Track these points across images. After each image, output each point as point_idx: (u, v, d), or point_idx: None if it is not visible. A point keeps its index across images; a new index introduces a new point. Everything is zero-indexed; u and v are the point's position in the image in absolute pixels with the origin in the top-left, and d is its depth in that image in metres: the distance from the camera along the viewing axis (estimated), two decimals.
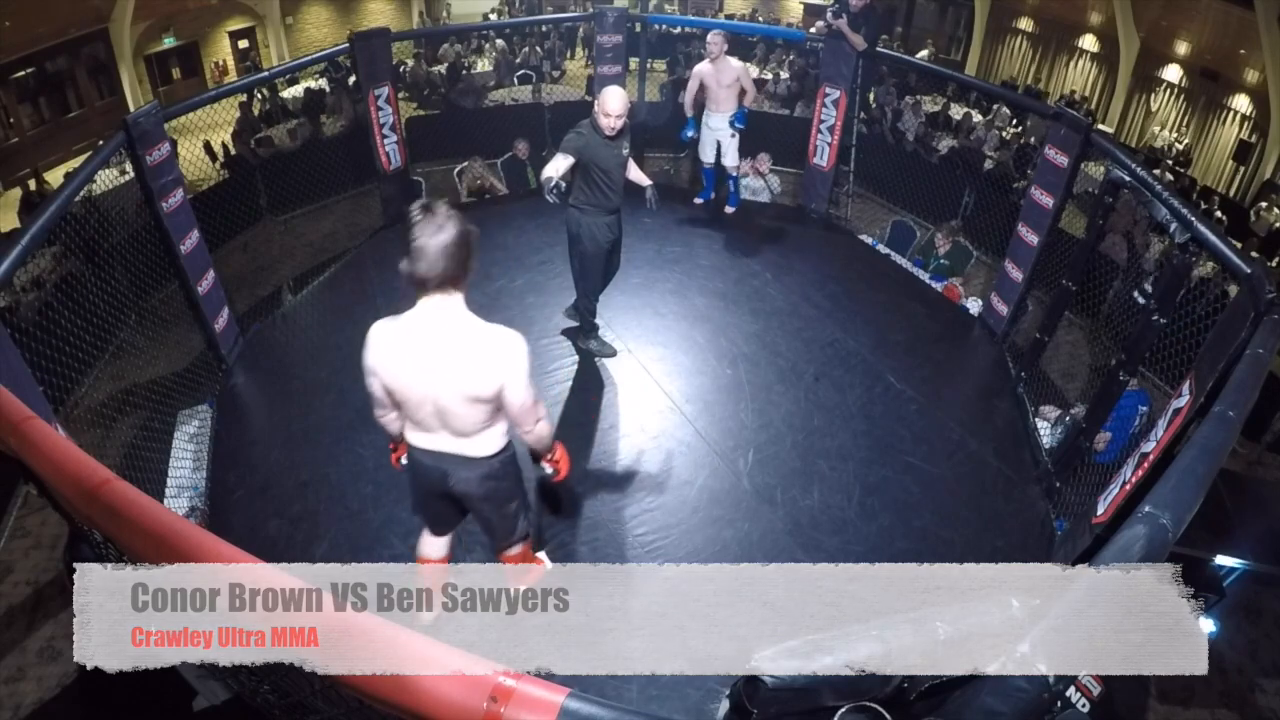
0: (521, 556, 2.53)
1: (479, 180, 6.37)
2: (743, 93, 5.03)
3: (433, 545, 2.44)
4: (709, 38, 4.97)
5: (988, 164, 7.63)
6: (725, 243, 5.25)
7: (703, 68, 5.01)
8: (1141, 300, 4.54)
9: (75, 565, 1.10)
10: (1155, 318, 3.05)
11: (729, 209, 5.66)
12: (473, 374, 1.85)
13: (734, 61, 4.99)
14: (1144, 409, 3.57)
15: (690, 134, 5.26)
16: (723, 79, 4.97)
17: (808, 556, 3.04)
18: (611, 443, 3.52)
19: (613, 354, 4.07)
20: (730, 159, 5.35)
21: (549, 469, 2.28)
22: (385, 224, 5.47)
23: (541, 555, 2.83)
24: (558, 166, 3.29)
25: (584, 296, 3.86)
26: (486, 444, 2.04)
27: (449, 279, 1.82)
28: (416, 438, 2.07)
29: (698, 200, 5.73)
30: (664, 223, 5.47)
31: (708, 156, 5.41)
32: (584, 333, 4.07)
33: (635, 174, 3.73)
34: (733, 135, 5.14)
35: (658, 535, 3.08)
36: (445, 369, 1.85)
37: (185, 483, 3.42)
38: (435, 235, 1.76)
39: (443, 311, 1.85)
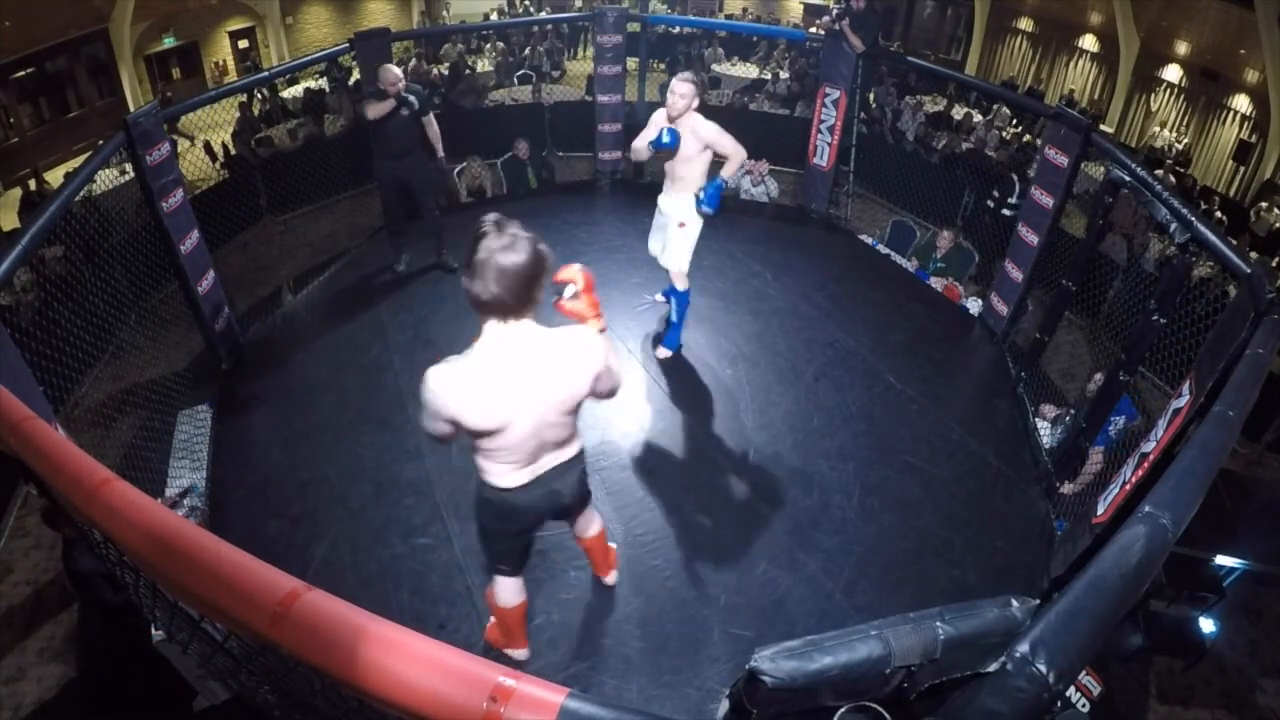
0: (604, 535, 2.64)
1: (476, 180, 6.38)
2: (716, 160, 3.45)
3: (516, 586, 2.34)
4: (675, 86, 3.30)
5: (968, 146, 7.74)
6: (725, 243, 5.25)
7: (659, 119, 3.45)
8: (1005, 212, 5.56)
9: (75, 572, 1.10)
10: (1155, 318, 3.05)
11: (663, 351, 4.00)
12: (571, 387, 1.75)
13: (703, 123, 3.35)
14: (1118, 419, 3.44)
15: (664, 141, 3.34)
16: (685, 145, 3.35)
17: (808, 556, 3.04)
18: (612, 443, 3.52)
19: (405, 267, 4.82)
20: (675, 262, 3.67)
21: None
22: (385, 224, 5.47)
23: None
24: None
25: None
26: (578, 439, 2.00)
27: (517, 305, 1.63)
28: (517, 477, 1.90)
29: (659, 297, 4.38)
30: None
31: (653, 248, 3.86)
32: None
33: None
34: (681, 226, 3.56)
35: (657, 535, 3.08)
36: (545, 395, 1.72)
37: (185, 483, 3.42)
38: (506, 254, 1.57)
39: (516, 337, 1.67)
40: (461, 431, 1.75)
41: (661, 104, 3.51)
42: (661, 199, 3.71)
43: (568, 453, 1.98)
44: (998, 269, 4.70)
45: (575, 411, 1.86)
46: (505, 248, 1.57)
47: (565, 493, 2.05)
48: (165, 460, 3.51)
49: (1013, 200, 5.96)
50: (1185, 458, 1.54)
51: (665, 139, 3.29)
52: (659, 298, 4.38)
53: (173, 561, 1.03)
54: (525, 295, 1.62)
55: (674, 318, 3.93)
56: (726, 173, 3.40)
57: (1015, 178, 6.11)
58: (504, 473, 1.89)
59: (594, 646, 2.67)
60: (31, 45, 9.42)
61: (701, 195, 3.43)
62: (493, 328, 1.67)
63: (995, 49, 13.58)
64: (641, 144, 3.49)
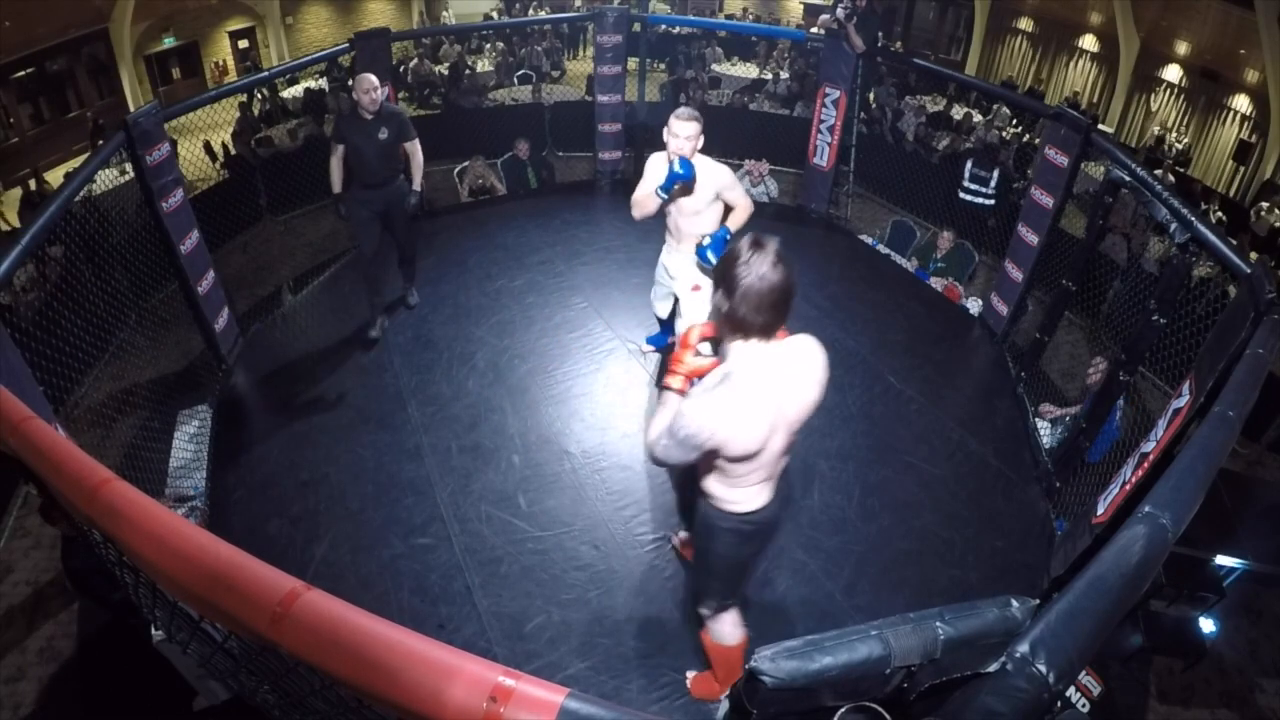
0: None
1: (479, 180, 6.37)
2: (727, 210, 3.01)
3: (739, 617, 2.23)
4: (677, 127, 2.77)
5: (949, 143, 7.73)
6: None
7: (657, 162, 2.97)
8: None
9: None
10: (1155, 318, 3.05)
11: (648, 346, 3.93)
12: (818, 393, 1.75)
13: (713, 167, 2.91)
14: (1120, 402, 3.52)
15: (679, 173, 2.77)
16: (692, 195, 2.92)
17: (808, 556, 3.04)
18: (612, 443, 3.52)
19: (375, 338, 4.20)
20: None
21: None
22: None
23: None
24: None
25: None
26: None
27: (780, 322, 1.62)
28: (764, 494, 1.86)
29: (645, 347, 4.06)
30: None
31: (661, 310, 3.52)
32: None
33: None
34: (695, 289, 3.05)
35: (658, 536, 3.08)
36: (799, 405, 1.72)
37: (186, 483, 3.42)
38: (775, 275, 1.55)
39: (768, 355, 1.65)
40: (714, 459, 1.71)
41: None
42: (665, 257, 3.25)
43: (787, 458, 1.92)
44: (987, 261, 4.68)
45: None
46: (773, 268, 1.55)
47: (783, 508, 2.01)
48: (165, 460, 3.51)
49: (965, 183, 5.88)
50: (1185, 458, 1.54)
51: (679, 169, 2.74)
52: (647, 348, 4.06)
53: (173, 561, 1.03)
54: (788, 312, 1.62)
55: None
56: (733, 223, 2.93)
57: (970, 161, 5.99)
58: (753, 495, 1.84)
59: (594, 646, 2.67)
60: (31, 45, 9.42)
61: (707, 243, 2.83)
62: (750, 348, 1.64)
63: (995, 49, 13.57)
64: (643, 194, 2.96)
